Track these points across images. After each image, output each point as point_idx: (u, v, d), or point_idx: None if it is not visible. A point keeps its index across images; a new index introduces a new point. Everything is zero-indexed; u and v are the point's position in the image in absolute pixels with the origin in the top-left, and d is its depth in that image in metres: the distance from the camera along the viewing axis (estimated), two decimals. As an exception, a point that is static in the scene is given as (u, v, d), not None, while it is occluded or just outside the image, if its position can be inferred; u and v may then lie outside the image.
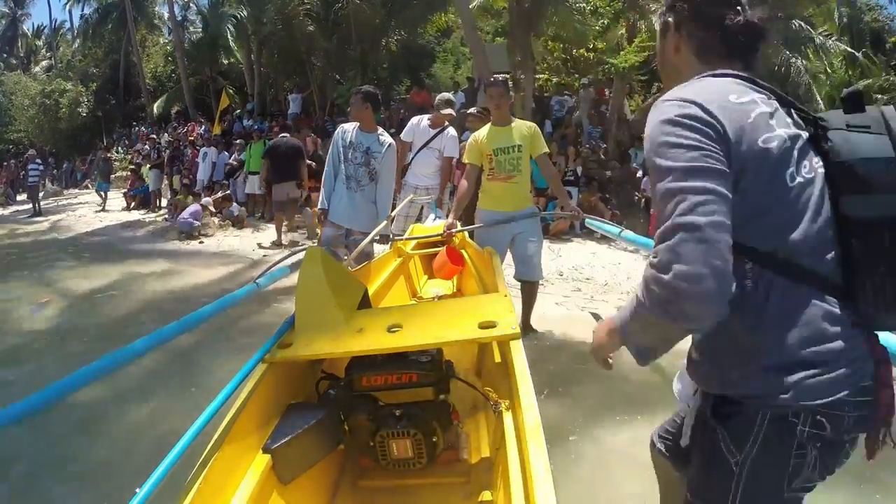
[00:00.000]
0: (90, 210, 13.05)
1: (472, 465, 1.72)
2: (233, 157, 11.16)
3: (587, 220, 4.35)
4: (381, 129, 3.91)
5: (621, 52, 12.57)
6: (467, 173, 3.66)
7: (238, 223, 9.30)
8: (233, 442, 1.38)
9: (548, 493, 1.01)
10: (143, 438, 2.69)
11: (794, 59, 10.30)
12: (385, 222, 3.65)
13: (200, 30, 19.51)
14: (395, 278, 3.39)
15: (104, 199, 13.18)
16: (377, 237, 3.55)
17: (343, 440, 1.67)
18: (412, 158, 4.75)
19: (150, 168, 12.53)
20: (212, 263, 6.94)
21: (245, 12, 15.32)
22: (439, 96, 4.98)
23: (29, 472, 2.53)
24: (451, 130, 4.76)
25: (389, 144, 3.84)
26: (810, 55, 10.40)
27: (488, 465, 1.66)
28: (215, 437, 1.34)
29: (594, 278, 5.66)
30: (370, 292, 2.29)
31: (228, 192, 10.24)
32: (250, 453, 1.45)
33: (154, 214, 11.44)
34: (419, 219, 4.65)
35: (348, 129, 3.86)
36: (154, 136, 16.17)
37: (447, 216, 3.85)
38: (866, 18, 17.83)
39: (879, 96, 14.72)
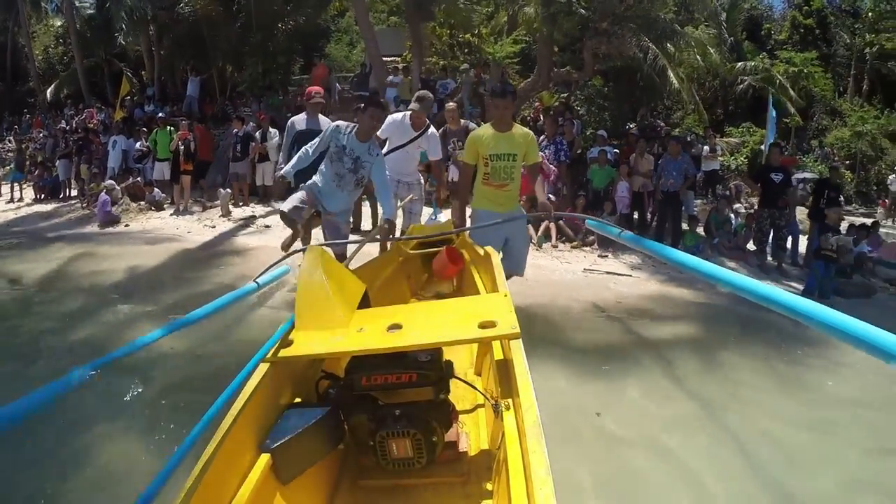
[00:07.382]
0: (1, 202, 12.68)
1: (471, 464, 1.71)
2: (140, 144, 11.31)
3: (588, 221, 4.34)
4: (374, 138, 3.81)
5: (497, 44, 14.12)
6: (463, 173, 3.84)
7: (158, 207, 10.02)
8: (233, 441, 1.38)
9: (548, 493, 1.02)
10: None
11: (648, 45, 10.12)
12: (385, 226, 3.61)
13: (93, 8, 18.42)
14: (395, 278, 3.45)
15: (21, 190, 12.81)
16: (377, 236, 3.64)
17: (343, 440, 1.69)
18: (386, 154, 4.46)
19: (58, 158, 12.40)
20: (144, 244, 7.61)
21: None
22: (417, 94, 4.74)
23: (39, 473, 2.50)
24: (433, 130, 4.70)
25: (378, 154, 3.79)
26: (670, 45, 10.54)
27: (488, 465, 1.67)
28: (215, 436, 1.35)
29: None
30: (370, 292, 2.28)
31: (139, 179, 10.67)
32: (250, 453, 1.46)
33: (67, 204, 11.48)
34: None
35: (343, 130, 3.72)
36: (50, 122, 15.63)
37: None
38: (745, 6, 19.96)
39: (745, 78, 16.18)
